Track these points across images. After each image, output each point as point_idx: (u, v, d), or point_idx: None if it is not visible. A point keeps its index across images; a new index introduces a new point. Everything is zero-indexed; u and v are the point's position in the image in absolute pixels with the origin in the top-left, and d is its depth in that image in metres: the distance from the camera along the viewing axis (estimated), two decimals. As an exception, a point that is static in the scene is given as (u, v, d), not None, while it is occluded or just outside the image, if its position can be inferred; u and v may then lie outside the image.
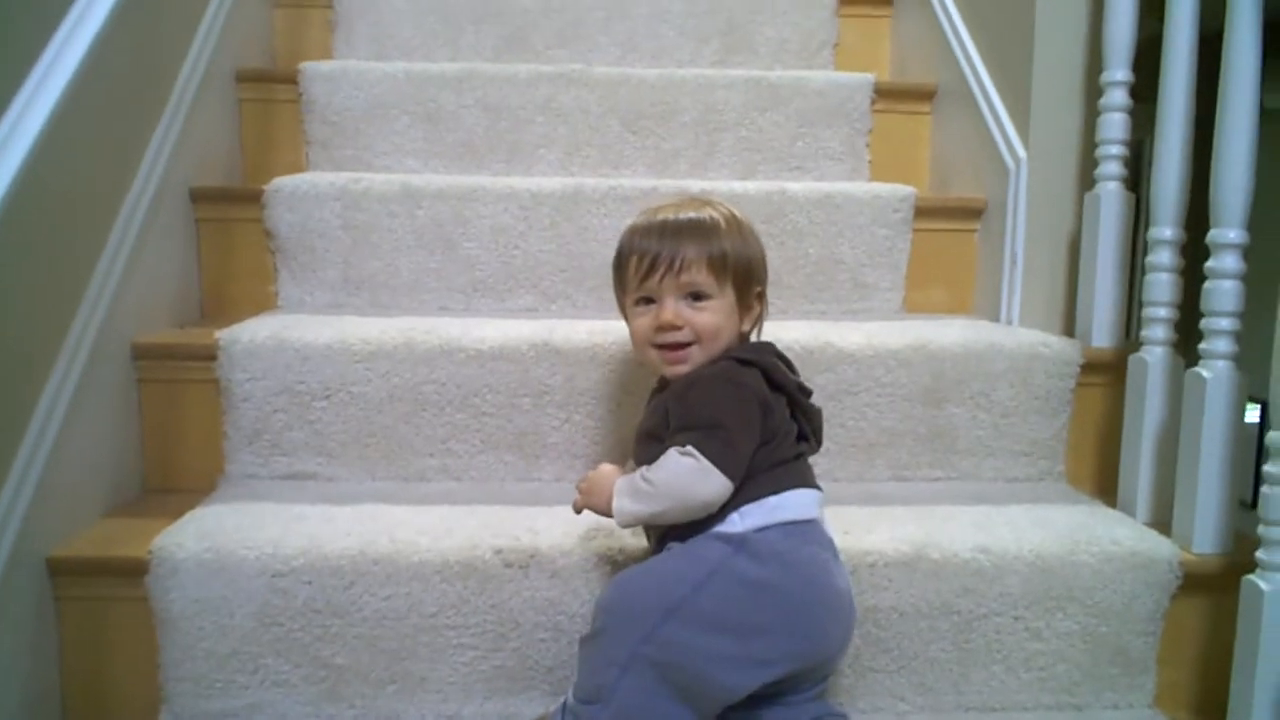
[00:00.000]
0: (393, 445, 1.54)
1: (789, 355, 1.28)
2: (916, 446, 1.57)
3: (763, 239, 1.73)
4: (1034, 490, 1.55)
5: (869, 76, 2.12)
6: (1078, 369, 1.57)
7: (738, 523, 1.13)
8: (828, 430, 1.53)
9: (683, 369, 1.20)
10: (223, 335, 1.53)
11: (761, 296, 1.25)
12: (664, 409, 1.19)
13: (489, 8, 2.30)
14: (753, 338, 1.26)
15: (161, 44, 1.73)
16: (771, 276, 1.78)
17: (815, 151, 2.10)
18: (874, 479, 1.57)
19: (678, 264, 1.18)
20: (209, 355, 1.52)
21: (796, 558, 1.13)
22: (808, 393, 1.24)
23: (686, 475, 1.12)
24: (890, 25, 2.39)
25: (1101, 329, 1.62)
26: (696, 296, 1.19)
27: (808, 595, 1.13)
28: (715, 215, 1.21)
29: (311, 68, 2.06)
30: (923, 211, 1.87)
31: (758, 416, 1.15)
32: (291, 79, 2.05)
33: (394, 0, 2.30)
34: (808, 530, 1.16)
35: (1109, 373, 1.57)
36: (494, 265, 1.82)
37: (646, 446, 1.20)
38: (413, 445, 1.54)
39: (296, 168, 2.03)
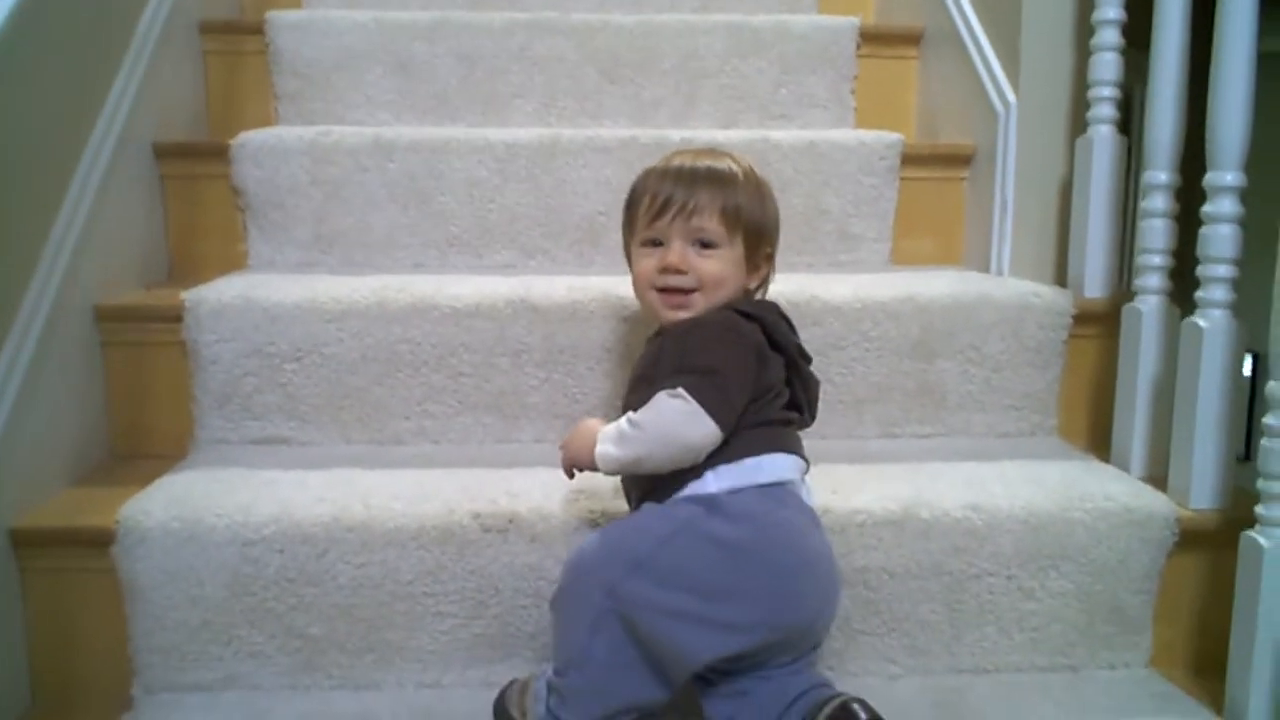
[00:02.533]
0: (367, 408, 1.50)
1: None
2: (906, 402, 1.53)
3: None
4: (1026, 445, 1.52)
5: (853, 20, 2.06)
6: (1070, 320, 1.53)
7: (711, 482, 1.09)
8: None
9: (682, 314, 1.16)
10: (189, 296, 1.48)
11: (770, 258, 1.23)
12: (658, 351, 1.16)
13: (462, -45, 2.23)
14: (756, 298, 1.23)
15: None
16: (754, 227, 1.75)
17: (799, 99, 2.04)
18: (863, 436, 1.53)
19: (690, 207, 1.15)
20: (175, 317, 1.47)
21: (771, 519, 1.09)
22: (807, 358, 1.20)
23: (675, 416, 1.08)
24: (876, -31, 2.32)
25: (1094, 278, 1.57)
26: (705, 244, 1.16)
27: (783, 560, 1.08)
28: (734, 168, 1.19)
29: (278, 17, 1.98)
30: (910, 159, 1.82)
31: (754, 369, 1.12)
32: (258, 29, 1.98)
33: (365, -50, 2.23)
34: (783, 493, 1.12)
35: (1102, 323, 1.54)
36: (469, 220, 1.77)
37: (637, 390, 1.16)
38: (388, 407, 1.50)
39: (265, 122, 1.97)
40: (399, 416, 1.50)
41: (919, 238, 1.84)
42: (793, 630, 1.10)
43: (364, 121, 1.98)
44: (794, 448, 1.15)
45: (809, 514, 1.14)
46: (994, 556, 1.26)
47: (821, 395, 1.43)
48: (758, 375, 1.12)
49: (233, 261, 1.76)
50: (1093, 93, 1.57)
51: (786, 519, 1.10)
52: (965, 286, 1.56)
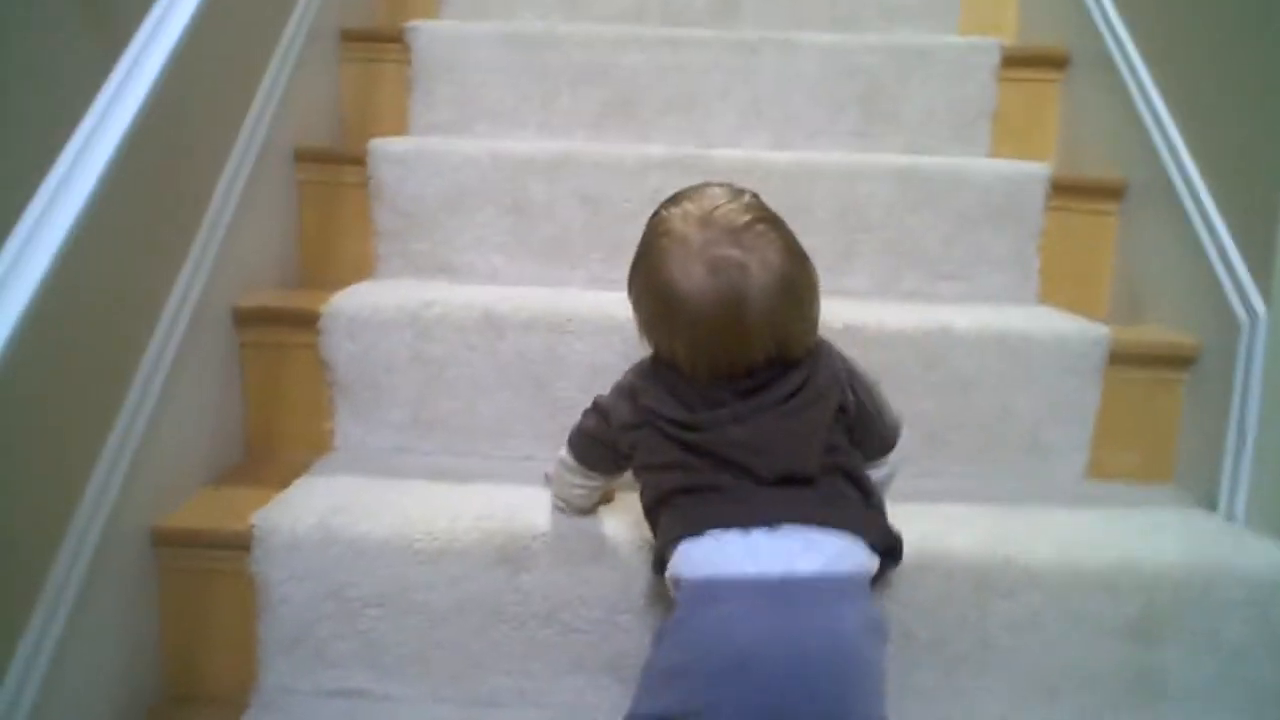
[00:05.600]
0: (459, 662, 1.25)
1: (954, 570, 1.21)
2: (1114, 693, 1.24)
3: (919, 385, 1.43)
4: (1270, 759, 1.21)
5: (1044, 168, 1.75)
6: (1335, 602, 1.23)
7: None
8: (1004, 664, 1.23)
9: None
10: (259, 520, 1.25)
11: None
12: None
13: (591, 67, 1.98)
14: None
15: (207, 124, 1.46)
16: (927, 432, 1.48)
17: (974, 258, 1.74)
18: (1059, 731, 1.24)
19: None
20: (241, 545, 1.25)
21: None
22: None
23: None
24: (1060, 93, 2.02)
25: (1366, 547, 1.26)
26: None
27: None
28: None
29: (381, 147, 1.75)
30: (1119, 357, 1.50)
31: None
32: (359, 159, 1.75)
33: (480, 56, 1.99)
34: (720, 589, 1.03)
35: (1373, 606, 1.22)
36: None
37: None
38: (484, 663, 1.25)
39: (363, 261, 1.76)
40: (497, 672, 1.26)
41: (1122, 449, 1.51)
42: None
43: (473, 264, 1.75)
44: (743, 517, 1.05)
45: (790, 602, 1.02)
46: None
47: (1007, 675, 1.23)
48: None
49: (318, 442, 1.52)
50: (1372, 314, 1.27)
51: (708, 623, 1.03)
52: (1199, 552, 1.26)
